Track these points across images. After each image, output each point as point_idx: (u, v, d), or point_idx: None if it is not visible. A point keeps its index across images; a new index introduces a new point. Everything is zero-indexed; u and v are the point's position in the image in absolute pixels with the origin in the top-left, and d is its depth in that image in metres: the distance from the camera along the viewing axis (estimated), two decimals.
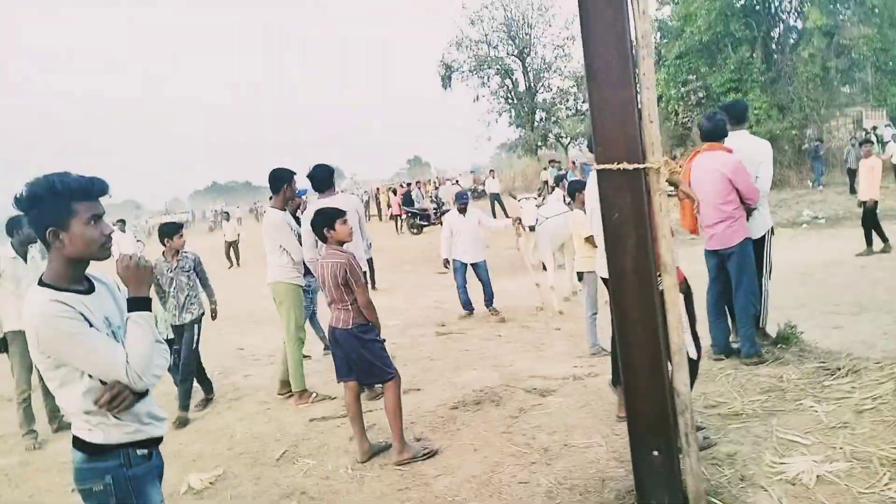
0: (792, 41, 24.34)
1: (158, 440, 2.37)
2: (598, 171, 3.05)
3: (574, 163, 22.77)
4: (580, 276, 6.44)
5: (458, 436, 4.49)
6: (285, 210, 5.80)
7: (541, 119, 37.57)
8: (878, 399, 3.76)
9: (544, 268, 9.55)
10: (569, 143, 38.61)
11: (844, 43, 21.58)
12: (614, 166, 2.99)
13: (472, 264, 9.15)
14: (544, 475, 3.73)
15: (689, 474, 3.06)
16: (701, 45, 24.17)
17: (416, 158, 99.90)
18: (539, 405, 4.82)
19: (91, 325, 2.13)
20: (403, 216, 22.46)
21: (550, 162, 23.54)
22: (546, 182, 14.55)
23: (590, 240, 6.26)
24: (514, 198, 9.93)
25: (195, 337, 5.87)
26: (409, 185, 29.29)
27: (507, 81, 37.62)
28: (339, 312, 4.25)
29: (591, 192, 4.28)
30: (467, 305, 9.32)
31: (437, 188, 32.08)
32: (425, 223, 19.47)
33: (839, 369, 4.44)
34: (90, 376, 2.14)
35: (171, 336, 5.89)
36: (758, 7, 23.23)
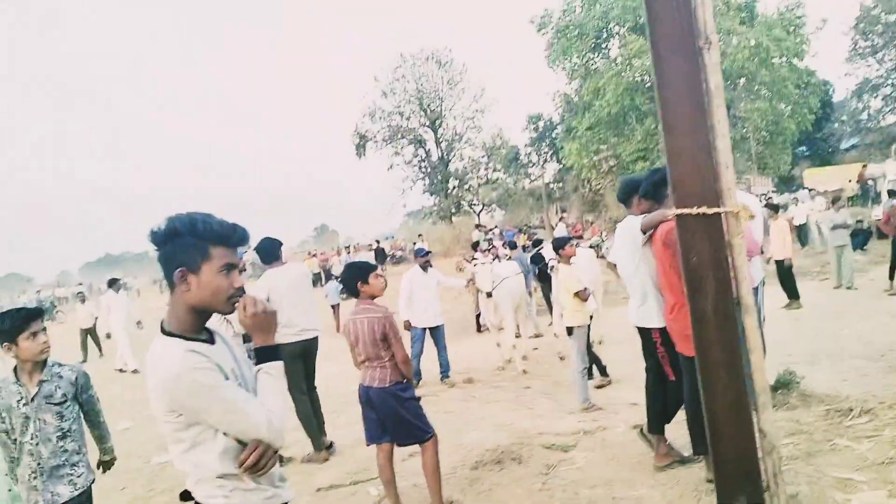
0: None
1: None
2: (677, 215, 3.12)
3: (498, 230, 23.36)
4: (569, 331, 6.48)
5: (493, 496, 4.34)
6: None
7: (454, 187, 38.48)
8: None
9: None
10: (481, 210, 39.60)
11: (739, 115, 23.54)
12: (693, 211, 3.07)
13: (432, 328, 8.70)
14: None
15: None
16: (610, 118, 25.76)
17: (322, 226, 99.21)
18: (565, 461, 4.75)
19: (226, 378, 1.93)
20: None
21: (477, 226, 23.97)
22: (478, 242, 14.81)
23: (579, 294, 6.36)
24: (468, 261, 9.93)
25: None
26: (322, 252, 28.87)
27: (421, 151, 38.50)
28: (373, 371, 4.07)
29: (621, 236, 4.39)
30: (417, 375, 8.64)
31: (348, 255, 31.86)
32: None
33: (851, 410, 4.64)
34: (224, 435, 1.92)
35: None
36: None
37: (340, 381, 9.44)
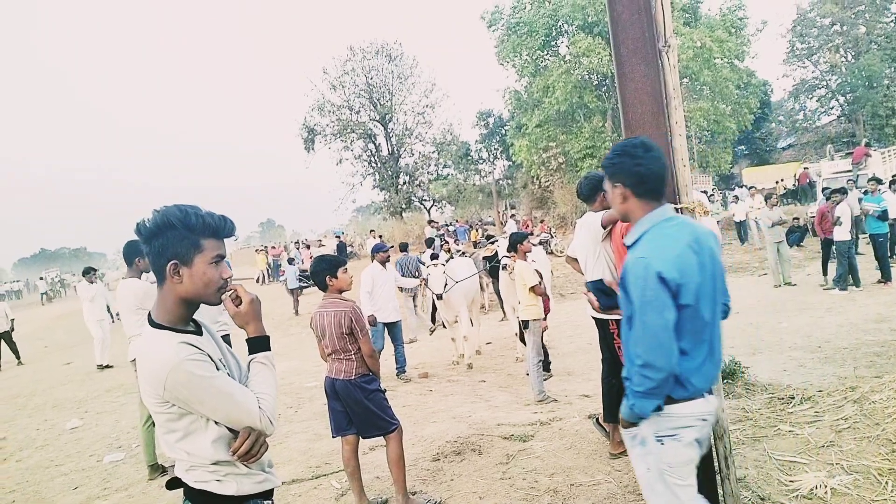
0: None
1: (271, 492, 2.19)
2: None
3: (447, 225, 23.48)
4: (525, 324, 6.62)
5: (455, 486, 4.43)
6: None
7: (404, 182, 38.38)
8: (849, 419, 4.20)
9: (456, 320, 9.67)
10: (431, 206, 39.63)
11: (686, 114, 24.16)
12: None
13: (390, 324, 8.77)
14: None
15: (729, 497, 3.24)
16: (558, 115, 26.12)
17: (269, 221, 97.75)
18: (524, 451, 4.87)
19: (217, 369, 1.98)
20: (282, 278, 22.05)
21: (430, 222, 24.05)
22: (432, 239, 14.88)
23: (535, 289, 6.51)
24: (423, 263, 9.83)
25: None
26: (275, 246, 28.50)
27: (371, 145, 38.21)
28: (339, 363, 4.12)
29: (582, 231, 4.53)
30: None
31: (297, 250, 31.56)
32: (305, 285, 19.12)
33: (792, 398, 4.90)
34: (216, 423, 1.96)
35: None
36: (608, 81, 25.50)
37: (297, 378, 9.43)
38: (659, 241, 2.33)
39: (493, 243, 12.08)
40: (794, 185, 27.12)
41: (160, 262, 1.98)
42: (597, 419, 4.81)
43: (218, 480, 1.99)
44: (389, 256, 8.90)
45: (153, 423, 5.38)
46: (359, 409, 4.10)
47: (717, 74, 24.09)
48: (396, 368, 8.79)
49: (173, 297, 2.00)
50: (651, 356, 2.21)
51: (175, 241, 1.96)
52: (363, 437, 4.24)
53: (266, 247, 37.06)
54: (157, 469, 5.52)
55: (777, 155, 42.26)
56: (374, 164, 38.31)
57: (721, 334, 2.45)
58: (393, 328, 8.80)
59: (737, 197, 21.32)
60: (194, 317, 2.08)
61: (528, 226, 23.95)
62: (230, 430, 1.99)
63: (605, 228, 4.26)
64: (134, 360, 5.34)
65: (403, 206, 37.93)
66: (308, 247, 29.22)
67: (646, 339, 2.22)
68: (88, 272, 12.73)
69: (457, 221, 32.78)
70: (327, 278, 4.11)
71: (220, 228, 2.03)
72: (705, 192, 31.03)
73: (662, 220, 2.40)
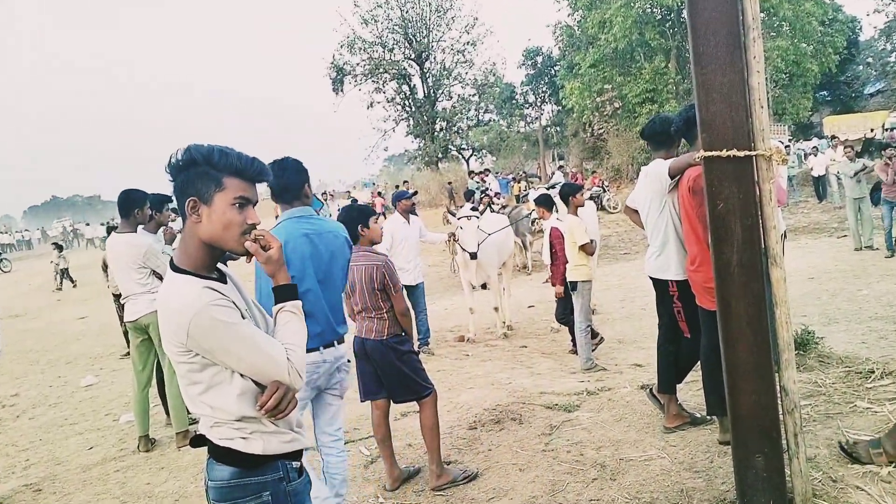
0: None
1: (300, 454, 2.23)
2: (705, 158, 3.18)
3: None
4: (573, 285, 6.59)
5: (493, 456, 4.48)
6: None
7: (441, 129, 38.15)
8: None
9: (484, 286, 9.56)
10: (470, 156, 39.42)
11: None
12: (723, 153, 3.13)
13: (409, 287, 8.22)
14: (614, 491, 3.79)
15: (797, 476, 3.22)
16: (616, 54, 25.58)
17: None
18: (569, 421, 4.89)
19: (243, 318, 2.00)
20: None
21: (471, 174, 23.96)
22: (472, 192, 14.87)
23: (584, 248, 6.46)
24: (453, 214, 9.35)
25: None
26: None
27: (405, 87, 37.94)
28: (370, 322, 4.15)
29: (646, 180, 4.43)
30: (425, 336, 8.49)
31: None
32: None
33: (872, 372, 4.81)
34: (241, 376, 1.99)
35: None
36: (672, 16, 24.83)
37: None
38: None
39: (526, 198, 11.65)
40: (883, 136, 26.24)
41: (182, 200, 2.02)
42: (650, 389, 4.79)
43: (244, 438, 2.02)
44: (414, 205, 8.59)
45: (148, 389, 5.58)
46: (391, 371, 4.14)
47: (798, 8, 23.26)
48: (419, 339, 8.40)
49: (194, 240, 2.03)
50: None
51: (196, 178, 1.99)
52: (395, 402, 4.30)
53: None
54: (148, 442, 5.65)
55: (864, 102, 40.81)
56: (408, 109, 38.13)
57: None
58: (414, 292, 8.31)
59: (816, 148, 20.75)
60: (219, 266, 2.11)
61: (577, 178, 23.72)
62: (257, 384, 2.01)
63: (672, 178, 4.15)
64: (133, 320, 5.48)
65: (440, 155, 37.80)
66: (332, 196, 29.21)
67: None
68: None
69: (497, 173, 32.48)
70: (360, 227, 4.12)
71: (246, 169, 2.04)
72: (781, 142, 30.30)
73: None
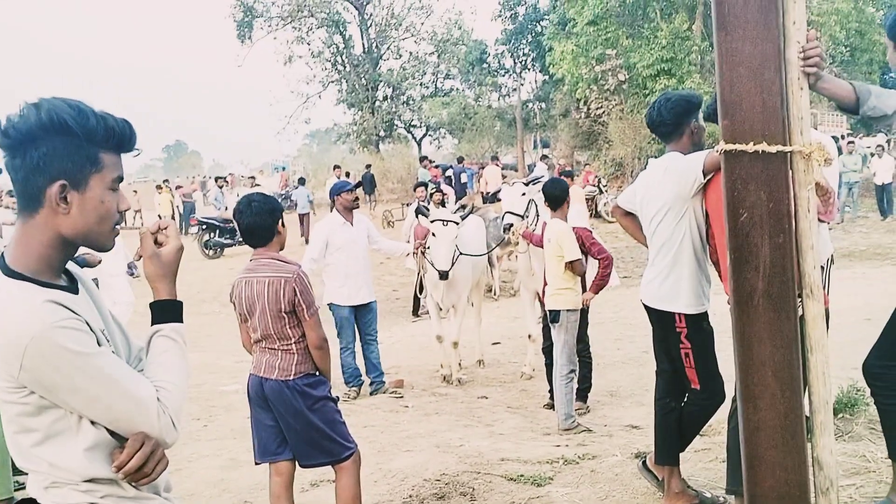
0: None
1: None
2: (725, 153, 3.28)
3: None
4: (554, 315, 6.68)
5: None
6: None
7: (385, 97, 38.20)
8: None
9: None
10: (424, 135, 39.53)
11: (812, 19, 24.04)
12: (749, 147, 3.22)
13: (358, 308, 8.35)
14: None
15: None
16: (623, 8, 25.96)
17: (178, 144, 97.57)
18: (537, 499, 4.98)
19: (99, 344, 1.98)
20: (195, 229, 21.89)
21: (422, 160, 23.97)
22: (425, 184, 14.90)
23: (573, 266, 6.56)
24: (425, 213, 8.95)
25: None
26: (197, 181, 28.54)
27: (337, 38, 37.92)
28: (272, 356, 4.18)
29: (658, 176, 4.49)
30: (354, 377, 8.52)
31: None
32: (228, 242, 19.13)
33: None
34: (92, 424, 1.97)
35: None
36: None
37: (210, 378, 9.54)
38: None
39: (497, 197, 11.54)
40: None
41: (36, 183, 1.92)
42: (645, 460, 4.89)
43: None
44: (357, 200, 8.56)
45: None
46: (297, 425, 4.16)
47: None
48: (371, 378, 8.54)
49: (49, 235, 1.96)
50: None
51: (65, 153, 1.91)
52: (301, 466, 4.33)
53: (168, 182, 36.76)
54: None
55: None
56: (340, 68, 38.14)
57: None
58: (364, 314, 8.40)
59: (881, 147, 21.26)
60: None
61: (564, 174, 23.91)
62: (113, 434, 1.99)
63: (704, 176, 4.17)
64: None
65: (382, 132, 37.81)
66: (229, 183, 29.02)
67: None
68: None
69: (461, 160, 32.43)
70: (280, 225, 4.19)
71: (126, 138, 2.03)
72: (835, 137, 31.05)
73: None
